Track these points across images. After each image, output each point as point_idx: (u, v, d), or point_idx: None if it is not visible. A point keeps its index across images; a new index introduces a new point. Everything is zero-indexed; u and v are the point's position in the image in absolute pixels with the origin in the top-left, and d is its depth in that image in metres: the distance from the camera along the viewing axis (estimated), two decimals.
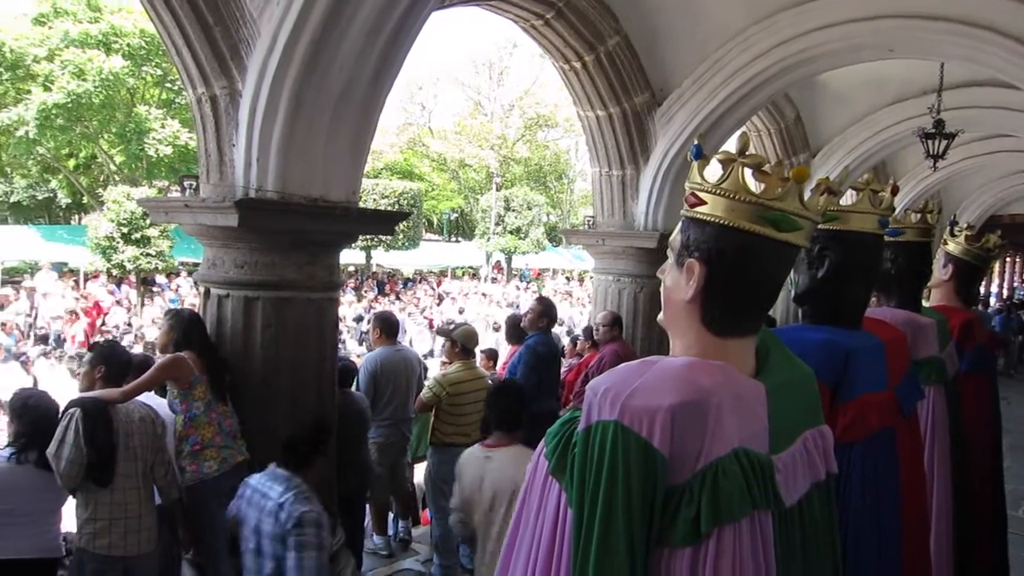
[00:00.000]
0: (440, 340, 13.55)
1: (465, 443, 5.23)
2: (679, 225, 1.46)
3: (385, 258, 28.42)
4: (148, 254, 18.73)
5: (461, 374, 5.28)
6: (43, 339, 11.33)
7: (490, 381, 5.65)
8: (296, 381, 3.77)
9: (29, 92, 21.15)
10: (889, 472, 2.09)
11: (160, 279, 20.72)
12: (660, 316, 1.49)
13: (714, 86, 6.21)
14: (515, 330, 6.26)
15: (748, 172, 1.39)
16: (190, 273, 21.32)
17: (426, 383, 5.46)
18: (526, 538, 1.39)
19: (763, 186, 1.40)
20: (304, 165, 3.62)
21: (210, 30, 3.47)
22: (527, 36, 6.26)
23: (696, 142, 1.48)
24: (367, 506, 5.39)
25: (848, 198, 2.20)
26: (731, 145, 1.44)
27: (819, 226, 1.74)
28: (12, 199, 32.21)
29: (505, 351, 7.39)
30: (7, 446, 3.54)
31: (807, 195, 1.42)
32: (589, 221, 7.08)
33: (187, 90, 3.76)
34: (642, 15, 6.05)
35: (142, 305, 17.88)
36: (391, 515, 5.74)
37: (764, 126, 9.11)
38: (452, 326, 6.84)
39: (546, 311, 5.78)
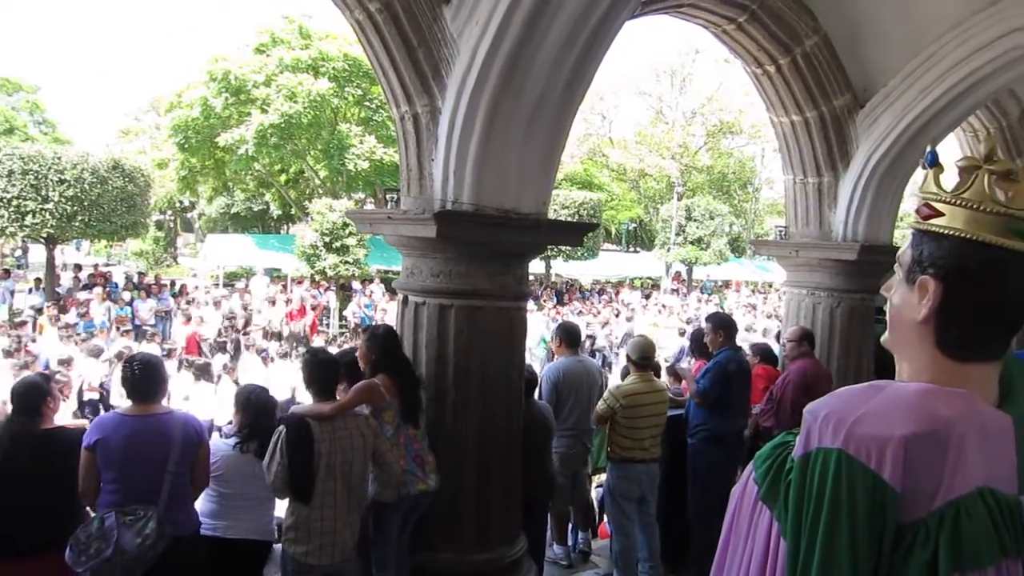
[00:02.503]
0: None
1: (644, 458, 5.16)
2: (909, 239, 1.34)
3: (564, 268, 28.75)
4: (346, 261, 20.17)
5: (637, 386, 5.18)
6: (277, 336, 12.48)
7: (671, 395, 5.53)
8: (486, 387, 3.88)
9: (249, 114, 23.48)
10: None
11: (356, 285, 22.18)
12: (885, 336, 1.38)
13: (926, 84, 5.70)
14: (701, 344, 6.08)
15: (992, 179, 1.26)
16: (382, 279, 22.71)
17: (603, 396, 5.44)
18: (734, 565, 1.33)
19: (1010, 194, 1.26)
20: (497, 177, 3.73)
21: (414, 51, 3.67)
22: (716, 41, 6.08)
23: (930, 148, 1.35)
24: (548, 515, 5.44)
25: None
26: (946, 146, 1.30)
27: None
28: (232, 211, 35.89)
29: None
30: (232, 435, 3.93)
31: None
32: (780, 231, 6.75)
33: (391, 109, 3.99)
34: (844, 11, 5.68)
35: (341, 309, 19.22)
36: (570, 525, 5.76)
37: (982, 125, 8.25)
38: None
39: (718, 326, 5.59)
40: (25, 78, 46.38)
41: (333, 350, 6.18)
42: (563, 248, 23.73)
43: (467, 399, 3.88)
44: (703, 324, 6.25)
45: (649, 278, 34.39)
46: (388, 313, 17.53)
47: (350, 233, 20.35)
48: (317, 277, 20.59)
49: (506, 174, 3.76)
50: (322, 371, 3.70)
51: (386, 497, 3.81)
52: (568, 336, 5.81)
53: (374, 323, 4.74)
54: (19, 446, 3.54)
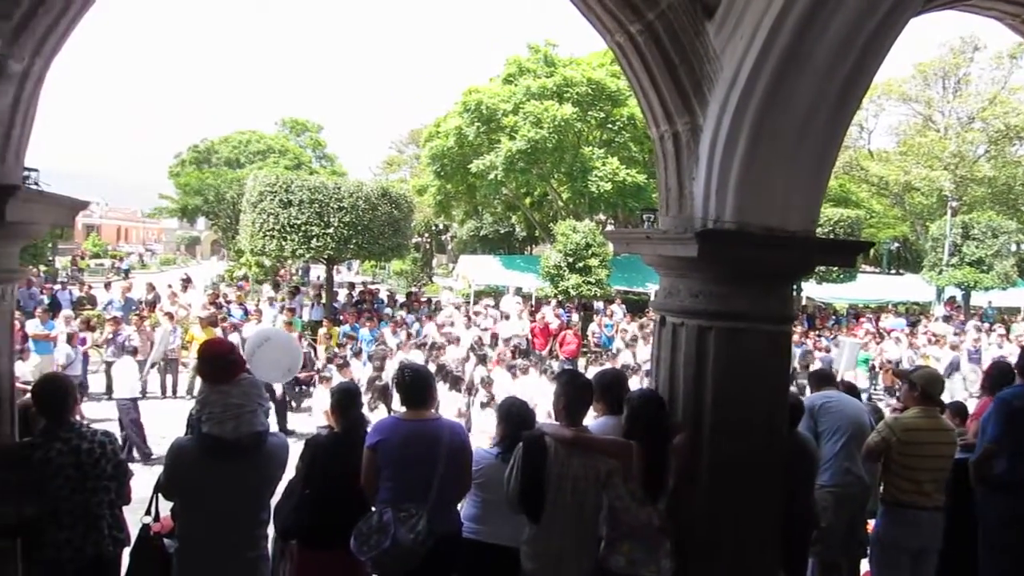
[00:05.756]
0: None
1: (925, 505, 4.63)
2: None
3: (816, 290, 26.97)
4: (588, 282, 20.53)
5: (918, 421, 4.69)
6: (524, 353, 13.00)
7: (958, 440, 4.93)
8: (747, 414, 3.69)
9: (499, 141, 24.83)
10: None
11: (597, 305, 22.47)
12: None
13: None
14: (995, 378, 5.34)
15: None
16: (623, 300, 22.79)
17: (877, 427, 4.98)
18: None
19: None
20: (762, 195, 3.57)
21: (675, 70, 3.63)
22: (1005, 35, 5.38)
23: None
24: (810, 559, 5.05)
25: None
26: None
27: None
28: (481, 233, 38.10)
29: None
30: (495, 445, 4.12)
31: None
32: None
33: (650, 129, 3.98)
34: None
35: (584, 327, 19.55)
36: None
37: None
38: (912, 368, 6.14)
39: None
40: (311, 119, 53.21)
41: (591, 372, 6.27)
42: (818, 269, 22.29)
43: (726, 424, 3.71)
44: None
45: (915, 303, 31.15)
46: (628, 333, 17.52)
47: (592, 254, 20.73)
48: (560, 296, 21.16)
49: (771, 191, 3.58)
50: (575, 395, 3.75)
51: (613, 564, 3.60)
52: (819, 377, 5.52)
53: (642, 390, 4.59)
54: (330, 445, 4.03)
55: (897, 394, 14.74)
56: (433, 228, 44.79)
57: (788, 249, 3.66)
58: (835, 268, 23.27)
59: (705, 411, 3.74)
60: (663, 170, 3.91)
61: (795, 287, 25.29)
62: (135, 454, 10.14)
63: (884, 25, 3.37)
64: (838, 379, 6.42)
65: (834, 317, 26.22)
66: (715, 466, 3.73)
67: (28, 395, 3.95)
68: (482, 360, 12.66)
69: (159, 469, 3.75)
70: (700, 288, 3.75)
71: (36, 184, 3.61)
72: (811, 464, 4.55)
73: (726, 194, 3.57)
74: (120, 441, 9.91)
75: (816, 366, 12.41)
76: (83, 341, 13.30)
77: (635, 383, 11.08)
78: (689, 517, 3.75)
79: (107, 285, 21.49)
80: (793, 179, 3.61)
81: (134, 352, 11.56)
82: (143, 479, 4.62)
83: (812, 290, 26.93)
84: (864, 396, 12.81)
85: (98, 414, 12.34)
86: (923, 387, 4.75)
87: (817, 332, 20.11)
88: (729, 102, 3.49)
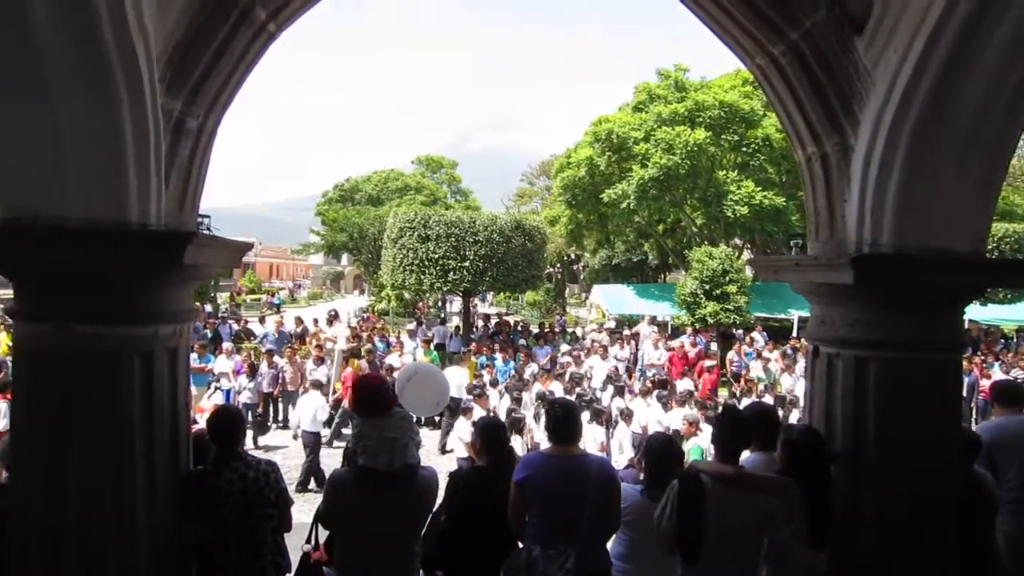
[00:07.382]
0: None
1: None
2: None
3: (980, 312, 24.87)
4: (727, 309, 19.89)
5: None
6: (662, 384, 12.74)
7: None
8: (915, 450, 3.43)
9: (630, 170, 24.67)
10: None
11: (737, 332, 21.71)
12: None
13: None
14: None
15: None
16: (764, 327, 21.92)
17: None
18: None
19: None
20: (923, 215, 3.35)
21: (822, 89, 3.49)
22: None
23: None
24: None
25: None
26: None
27: None
28: (613, 262, 37.90)
29: None
30: (639, 482, 4.03)
31: None
32: None
33: (796, 151, 3.84)
34: None
35: (723, 356, 18.94)
36: None
37: None
38: None
39: None
40: (446, 156, 55.23)
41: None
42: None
43: (890, 463, 3.47)
44: None
45: None
46: (770, 362, 16.79)
47: (730, 280, 20.12)
48: (697, 325, 20.63)
49: (934, 211, 3.35)
50: (729, 431, 3.62)
51: None
52: (1004, 391, 5.05)
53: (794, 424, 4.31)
54: (474, 479, 4.09)
55: None
56: (565, 258, 45.00)
57: (954, 273, 3.41)
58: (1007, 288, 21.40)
59: (867, 448, 3.53)
60: (811, 193, 3.75)
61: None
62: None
63: None
64: None
65: (1003, 341, 24.06)
66: (880, 508, 3.50)
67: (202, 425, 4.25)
68: (619, 392, 12.49)
69: (312, 497, 3.93)
70: (857, 316, 3.55)
71: (208, 229, 3.91)
72: (989, 504, 4.15)
73: (882, 216, 3.38)
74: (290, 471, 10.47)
75: None
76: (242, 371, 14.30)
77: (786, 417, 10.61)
78: (855, 561, 3.52)
79: (261, 319, 23.05)
80: (958, 197, 3.37)
81: (319, 386, 12.06)
82: (297, 507, 4.85)
83: (975, 312, 24.84)
84: None
85: (263, 443, 13.22)
86: None
87: (982, 358, 18.45)
88: (883, 119, 3.31)
